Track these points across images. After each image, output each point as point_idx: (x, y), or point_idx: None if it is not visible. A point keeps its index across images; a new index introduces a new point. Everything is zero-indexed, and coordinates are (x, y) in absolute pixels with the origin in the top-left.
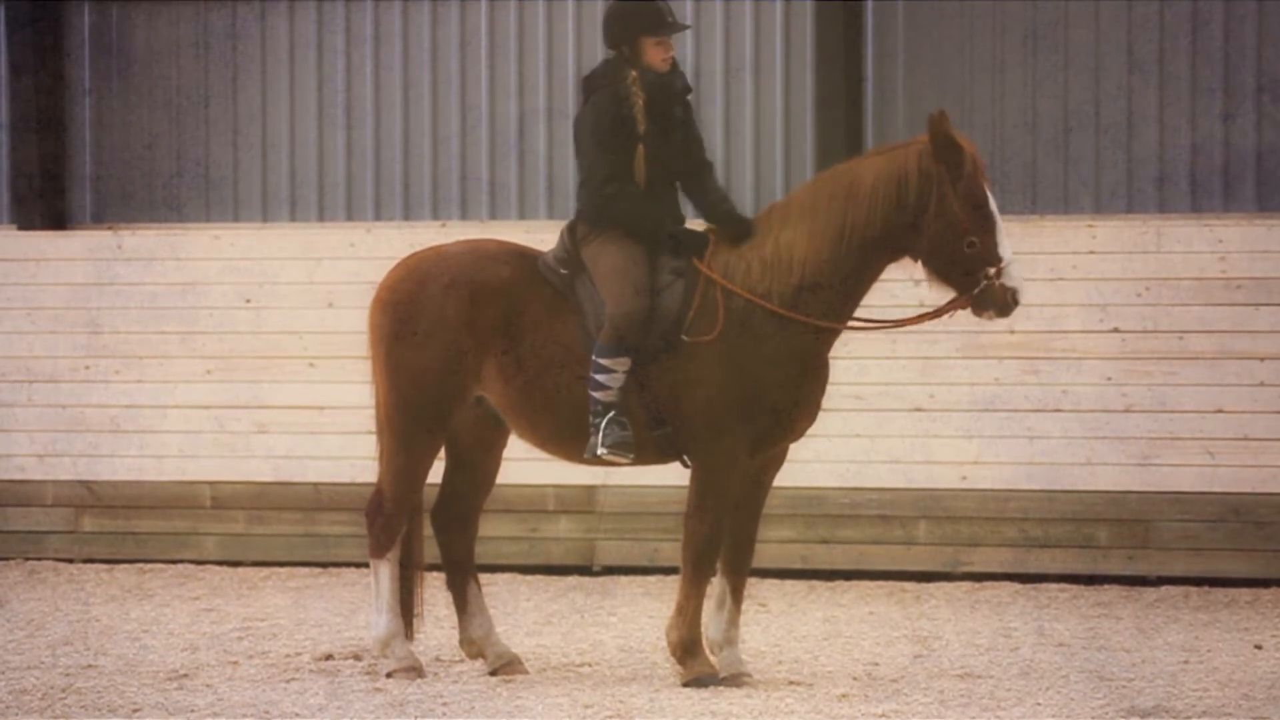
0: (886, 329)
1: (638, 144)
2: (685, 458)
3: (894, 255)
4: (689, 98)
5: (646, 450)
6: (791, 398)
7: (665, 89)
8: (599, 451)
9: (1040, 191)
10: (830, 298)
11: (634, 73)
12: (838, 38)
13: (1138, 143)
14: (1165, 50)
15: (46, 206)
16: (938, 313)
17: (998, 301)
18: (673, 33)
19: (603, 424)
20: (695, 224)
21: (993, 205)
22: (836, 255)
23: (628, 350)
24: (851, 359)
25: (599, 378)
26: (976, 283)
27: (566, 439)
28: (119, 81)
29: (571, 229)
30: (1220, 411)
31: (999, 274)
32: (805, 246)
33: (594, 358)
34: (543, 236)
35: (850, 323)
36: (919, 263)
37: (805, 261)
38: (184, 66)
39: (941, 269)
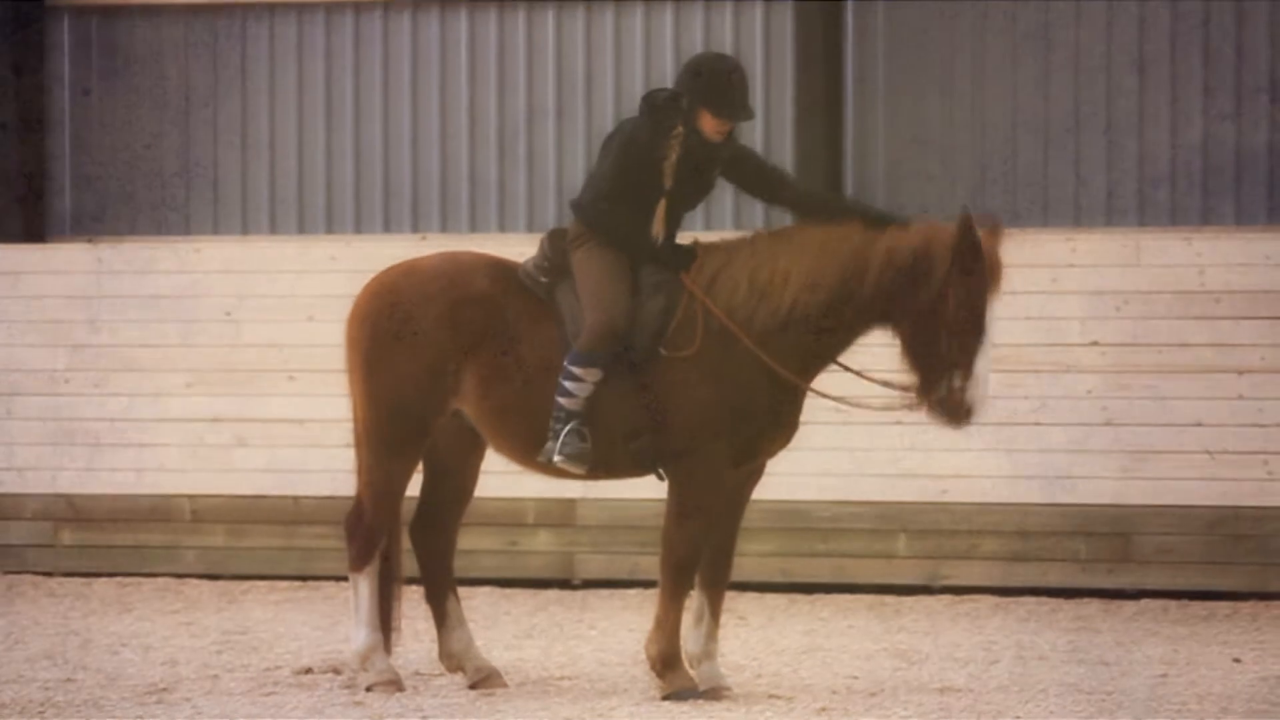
0: (839, 402)
1: (659, 194)
2: (661, 471)
3: (881, 322)
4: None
5: (623, 463)
6: (767, 415)
7: (708, 153)
8: (554, 459)
9: (1024, 194)
10: (806, 340)
11: (680, 129)
12: (819, 40)
13: (1117, 153)
14: (1146, 56)
15: (26, 218)
16: (893, 404)
17: (951, 409)
18: (736, 122)
19: (563, 431)
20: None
21: (988, 319)
22: (831, 301)
23: (601, 362)
24: (832, 373)
25: (567, 384)
26: (938, 383)
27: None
28: (100, 92)
29: (553, 236)
30: (1200, 425)
31: (964, 385)
32: (802, 282)
33: (566, 364)
34: (521, 249)
35: (813, 385)
36: (897, 338)
37: (797, 297)
38: (165, 78)
39: (915, 354)
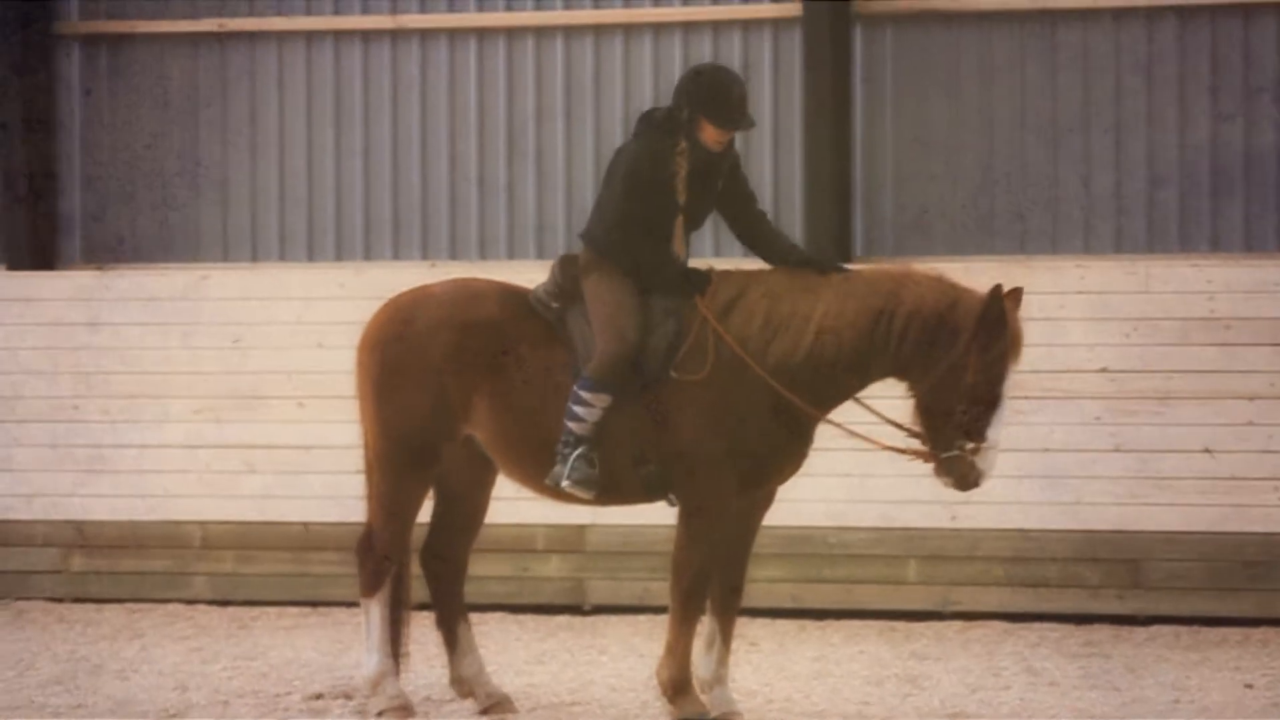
0: (854, 435)
1: (676, 214)
2: (671, 496)
3: (898, 376)
4: (738, 160)
5: (632, 488)
6: (775, 443)
7: (711, 163)
8: (562, 484)
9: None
10: (818, 380)
11: (684, 143)
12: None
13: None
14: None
15: (35, 245)
16: (902, 450)
17: (961, 474)
18: (737, 130)
19: (571, 456)
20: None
21: (1005, 390)
22: (849, 351)
23: (611, 388)
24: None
25: (576, 409)
26: (949, 447)
27: None
28: (108, 120)
29: (564, 262)
30: (1209, 451)
31: (975, 451)
32: (822, 326)
33: (575, 389)
34: (531, 276)
35: (827, 415)
36: (912, 395)
37: (815, 340)
38: (172, 106)
39: (928, 415)
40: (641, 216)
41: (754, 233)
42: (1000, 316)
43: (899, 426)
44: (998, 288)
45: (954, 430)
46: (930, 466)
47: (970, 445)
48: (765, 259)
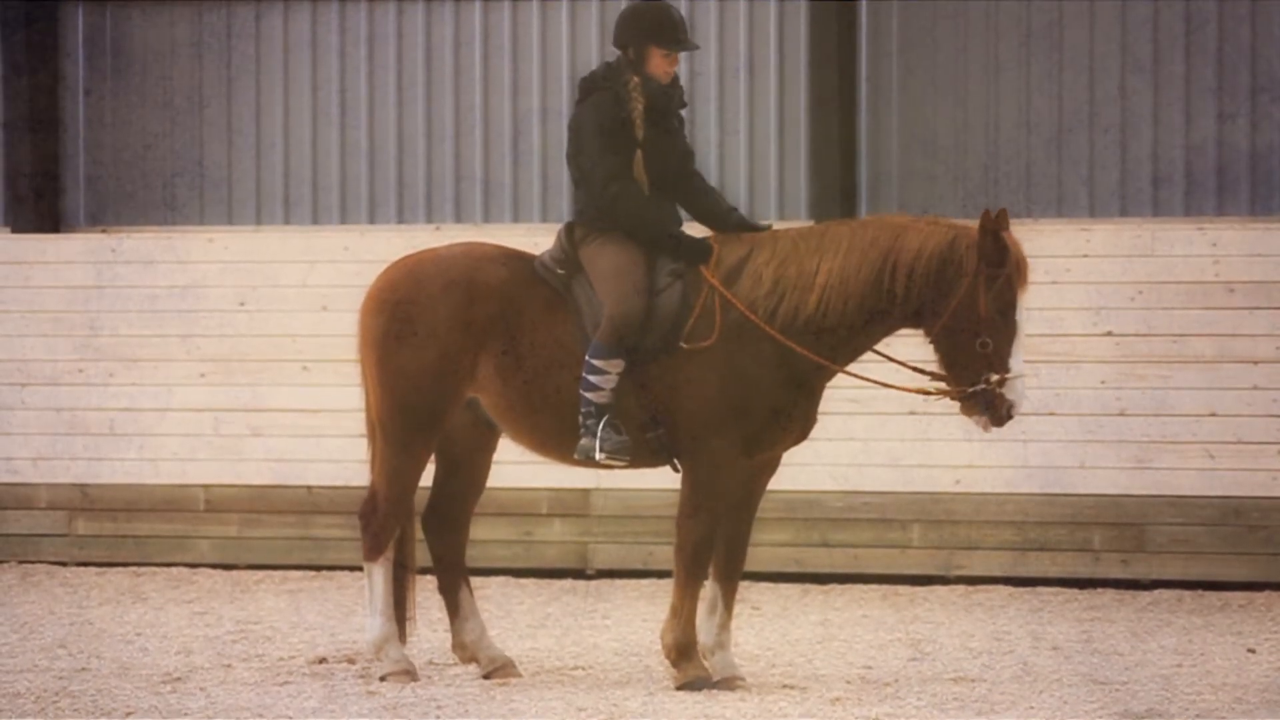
0: (875, 385)
1: (636, 148)
2: (676, 461)
3: (913, 324)
4: (682, 111)
5: (640, 452)
6: (785, 408)
7: (665, 98)
8: (597, 456)
9: (1035, 194)
10: (831, 341)
11: (635, 78)
12: (832, 38)
13: (1134, 144)
14: (1160, 51)
15: (42, 208)
16: (927, 392)
17: (992, 409)
18: (683, 50)
19: (598, 427)
20: (696, 230)
21: (1019, 316)
22: (859, 305)
23: (623, 352)
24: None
25: (592, 379)
26: (975, 382)
27: (566, 441)
28: (115, 83)
29: (569, 229)
30: (1215, 415)
31: (1001, 383)
32: (829, 284)
33: (588, 358)
34: (537, 239)
35: (845, 368)
36: (930, 341)
37: (824, 299)
38: (180, 68)
39: (948, 357)
40: (628, 164)
41: (688, 189)
42: (998, 240)
43: (921, 371)
44: (987, 212)
45: (977, 366)
46: (959, 408)
47: (995, 378)
48: (698, 218)
